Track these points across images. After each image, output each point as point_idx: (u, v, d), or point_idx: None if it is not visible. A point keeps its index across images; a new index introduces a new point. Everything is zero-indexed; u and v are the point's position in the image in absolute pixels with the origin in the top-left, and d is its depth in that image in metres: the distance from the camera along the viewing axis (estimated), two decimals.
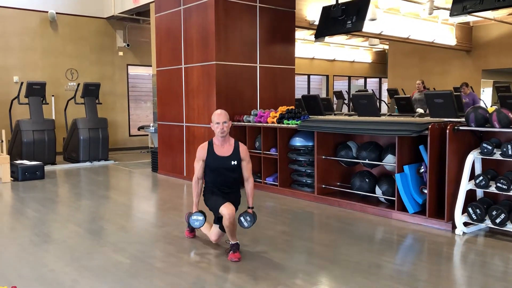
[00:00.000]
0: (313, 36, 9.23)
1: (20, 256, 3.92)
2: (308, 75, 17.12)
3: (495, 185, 4.28)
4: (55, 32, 11.22)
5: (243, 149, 3.95)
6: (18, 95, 9.32)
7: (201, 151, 3.95)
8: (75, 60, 11.54)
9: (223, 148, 3.91)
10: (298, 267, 3.63)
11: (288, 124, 6.20)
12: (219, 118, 3.86)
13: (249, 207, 3.85)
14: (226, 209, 3.66)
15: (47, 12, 10.94)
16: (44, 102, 9.41)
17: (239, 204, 3.98)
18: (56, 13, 11.04)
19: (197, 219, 3.82)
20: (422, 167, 4.92)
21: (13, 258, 3.86)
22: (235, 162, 3.88)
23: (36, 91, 9.24)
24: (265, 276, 3.43)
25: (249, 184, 3.92)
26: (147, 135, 11.80)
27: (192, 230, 4.30)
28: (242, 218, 3.76)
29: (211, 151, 3.91)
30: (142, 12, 11.43)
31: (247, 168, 3.93)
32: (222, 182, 3.92)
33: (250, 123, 6.76)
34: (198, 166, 3.96)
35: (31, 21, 10.86)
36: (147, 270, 3.54)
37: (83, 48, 11.65)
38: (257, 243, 3.97)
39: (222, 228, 3.87)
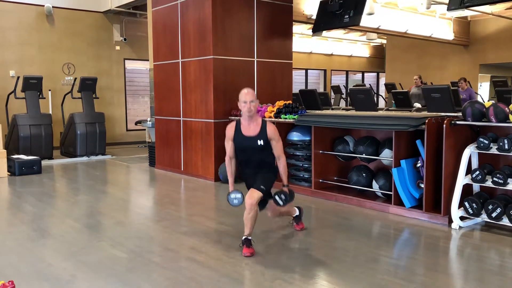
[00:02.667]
0: (311, 30, 9.22)
1: (18, 251, 3.92)
2: (306, 70, 17.10)
3: (491, 180, 4.29)
4: (51, 26, 11.17)
5: (270, 128, 3.83)
6: (15, 89, 9.29)
7: (230, 130, 3.89)
8: (72, 55, 11.49)
9: (250, 128, 3.82)
10: (295, 262, 3.65)
11: (286, 118, 6.20)
12: (246, 97, 3.77)
13: (284, 185, 3.84)
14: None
15: (43, 6, 10.89)
16: (41, 96, 9.39)
17: (273, 182, 3.91)
18: (53, 7, 10.98)
19: (235, 197, 3.78)
20: (419, 161, 4.93)
21: (10, 253, 3.86)
22: (261, 142, 3.78)
23: (32, 86, 9.21)
24: (263, 270, 3.44)
25: (281, 162, 3.85)
26: (145, 129, 11.79)
27: (248, 245, 3.74)
28: (277, 197, 3.75)
29: (238, 131, 3.85)
30: (139, 6, 11.39)
31: (277, 148, 3.84)
32: (251, 162, 3.87)
33: None
34: (229, 146, 3.91)
35: (27, 15, 10.80)
36: (144, 265, 3.55)
37: (80, 42, 11.60)
38: (254, 238, 3.98)
39: (274, 200, 3.82)
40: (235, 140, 3.86)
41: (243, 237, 3.74)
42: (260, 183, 3.77)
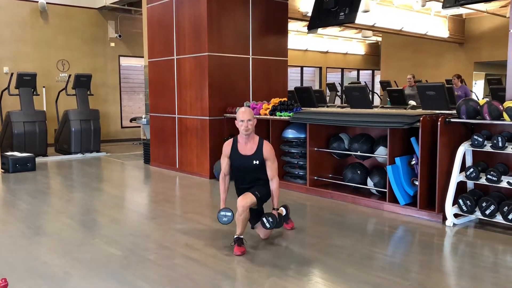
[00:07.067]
0: (306, 27, 9.21)
1: (12, 248, 3.90)
2: (301, 67, 17.11)
3: (485, 177, 4.31)
4: (46, 23, 11.10)
5: (267, 148, 3.85)
6: (9, 86, 9.23)
7: (226, 147, 3.92)
8: (66, 51, 11.43)
9: (247, 146, 3.85)
10: (289, 259, 3.65)
11: (281, 116, 6.20)
12: (243, 116, 3.80)
13: (273, 208, 3.82)
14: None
15: (37, 2, 10.82)
16: (35, 93, 9.33)
17: (268, 195, 3.88)
18: (47, 3, 10.91)
19: (225, 215, 3.77)
20: (414, 159, 4.95)
21: (4, 251, 3.85)
22: (257, 162, 3.81)
23: (26, 82, 9.16)
24: (257, 267, 3.44)
25: (273, 184, 3.84)
26: (139, 126, 11.76)
27: (239, 244, 3.76)
28: (264, 219, 3.74)
29: (234, 149, 3.87)
30: (134, 3, 11.34)
31: (271, 168, 3.84)
32: (246, 179, 3.90)
33: None
34: (224, 163, 3.93)
35: (21, 11, 10.72)
36: (139, 262, 3.54)
37: (75, 39, 11.54)
38: (249, 235, 3.98)
39: (261, 221, 3.78)
40: (232, 158, 3.88)
41: (235, 236, 3.76)
42: (255, 190, 3.81)
